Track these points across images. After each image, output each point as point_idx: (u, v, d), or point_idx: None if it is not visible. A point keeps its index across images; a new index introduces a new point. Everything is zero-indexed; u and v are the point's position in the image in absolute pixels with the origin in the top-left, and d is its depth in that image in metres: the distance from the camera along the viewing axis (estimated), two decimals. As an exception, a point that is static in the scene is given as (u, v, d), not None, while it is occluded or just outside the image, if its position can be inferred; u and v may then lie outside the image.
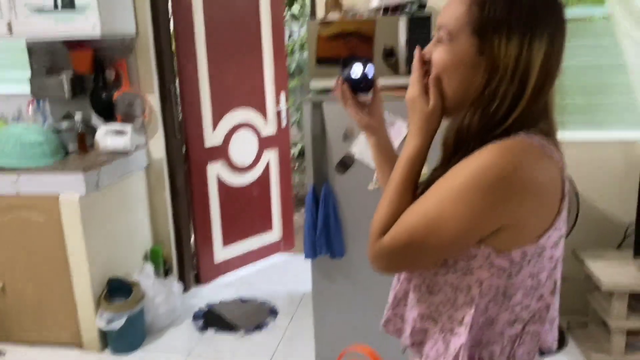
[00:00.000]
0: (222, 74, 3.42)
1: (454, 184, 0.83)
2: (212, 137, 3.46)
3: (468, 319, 0.89)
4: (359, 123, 1.11)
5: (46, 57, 3.12)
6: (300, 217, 4.79)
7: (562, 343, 2.67)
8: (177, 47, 3.20)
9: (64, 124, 2.97)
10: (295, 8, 5.46)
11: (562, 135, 0.91)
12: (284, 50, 3.73)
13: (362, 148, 2.33)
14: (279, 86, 3.71)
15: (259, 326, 3.00)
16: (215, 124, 3.46)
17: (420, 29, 2.34)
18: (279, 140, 3.81)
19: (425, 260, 0.89)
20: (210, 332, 2.97)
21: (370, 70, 1.03)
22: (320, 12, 2.74)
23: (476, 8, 0.85)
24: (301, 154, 5.98)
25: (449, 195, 0.82)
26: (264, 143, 3.74)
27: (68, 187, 2.62)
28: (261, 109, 3.67)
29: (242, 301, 3.28)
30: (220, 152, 3.52)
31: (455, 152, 0.89)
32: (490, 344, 0.92)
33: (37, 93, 3.05)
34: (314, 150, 2.37)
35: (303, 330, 2.93)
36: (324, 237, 2.39)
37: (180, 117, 3.28)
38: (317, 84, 2.49)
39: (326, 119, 2.34)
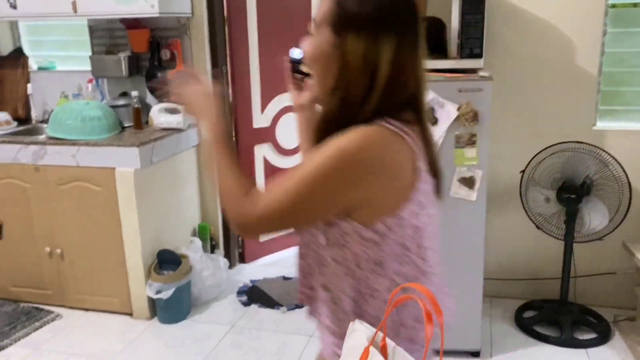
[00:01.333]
0: (272, 58, 3.48)
1: (314, 163, 0.90)
2: (260, 119, 3.53)
3: (350, 290, 0.98)
4: (293, 100, 1.20)
5: (106, 37, 3.26)
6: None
7: (606, 336, 2.62)
8: (229, 30, 3.27)
9: (121, 101, 3.10)
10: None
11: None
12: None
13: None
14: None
15: (300, 305, 3.06)
16: (263, 107, 3.53)
17: (474, 11, 2.33)
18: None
19: (281, 226, 0.96)
20: (254, 307, 3.05)
21: (293, 55, 1.09)
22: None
23: (335, 6, 0.93)
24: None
25: (309, 174, 0.90)
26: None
27: (124, 161, 2.74)
28: (309, 93, 3.71)
29: (285, 279, 3.35)
30: (268, 134, 3.58)
31: (322, 137, 0.95)
32: (376, 311, 0.99)
33: (97, 71, 3.19)
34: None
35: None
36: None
37: (230, 99, 3.36)
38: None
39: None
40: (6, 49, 3.51)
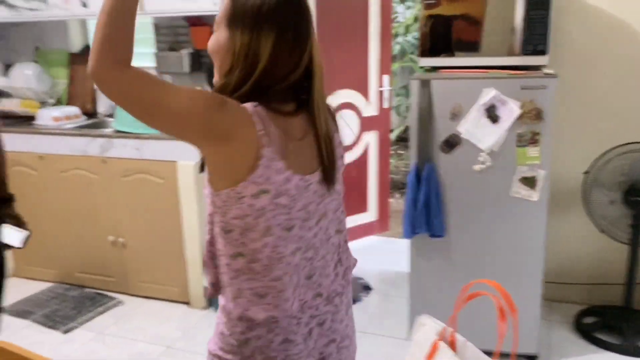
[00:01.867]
0: (329, 55, 3.49)
1: (181, 88, 0.98)
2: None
3: (206, 247, 1.13)
4: None
5: (169, 34, 3.36)
6: (394, 201, 4.80)
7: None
8: (287, 27, 3.31)
9: (183, 97, 3.20)
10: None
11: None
12: (390, 33, 3.74)
13: (469, 127, 2.31)
14: (383, 69, 3.73)
15: (352, 299, 3.06)
16: (319, 103, 3.55)
17: (539, 7, 2.27)
18: (379, 122, 3.84)
19: (133, 107, 0.97)
20: (306, 302, 3.09)
21: None
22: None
23: (229, 4, 1.07)
24: (398, 139, 5.96)
25: (173, 91, 0.96)
26: (365, 124, 3.78)
27: (185, 154, 2.82)
28: (363, 90, 3.72)
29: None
30: (323, 131, 3.60)
31: None
32: (221, 273, 1.12)
33: (160, 67, 3.31)
34: (420, 128, 2.38)
35: (395, 308, 2.96)
36: (424, 216, 2.40)
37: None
38: (426, 61, 2.49)
39: (433, 97, 2.34)
40: (77, 46, 3.68)
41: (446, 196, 2.41)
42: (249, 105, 1.03)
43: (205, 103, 0.97)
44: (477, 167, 2.34)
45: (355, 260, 1.32)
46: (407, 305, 2.61)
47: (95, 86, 1.11)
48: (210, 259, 1.13)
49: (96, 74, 0.93)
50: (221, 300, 1.15)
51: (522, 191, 2.32)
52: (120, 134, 2.98)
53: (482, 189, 2.37)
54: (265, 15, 1.04)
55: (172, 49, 3.32)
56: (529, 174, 2.30)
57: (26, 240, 1.88)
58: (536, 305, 2.40)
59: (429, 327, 0.86)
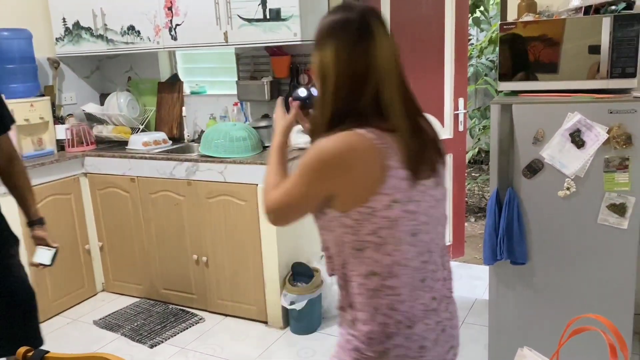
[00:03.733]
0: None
1: (302, 162, 1.14)
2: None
3: (338, 268, 1.18)
4: (304, 128, 1.38)
5: (250, 64, 3.53)
6: (469, 226, 4.71)
7: None
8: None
9: (263, 122, 3.33)
10: (477, 13, 5.39)
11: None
12: (465, 55, 3.73)
13: (553, 152, 2.26)
14: (458, 91, 3.71)
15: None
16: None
17: (628, 29, 2.20)
18: (454, 145, 3.81)
19: (293, 215, 1.20)
20: (381, 325, 3.09)
21: (313, 91, 1.32)
22: (512, 15, 2.71)
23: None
24: (472, 161, 5.86)
25: (300, 171, 1.14)
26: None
27: (265, 178, 2.93)
28: (439, 114, 3.71)
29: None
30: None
31: (312, 132, 1.23)
32: (354, 294, 1.16)
33: (242, 95, 3.47)
34: (500, 153, 2.35)
35: (472, 335, 2.90)
36: (505, 242, 2.36)
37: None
38: (505, 86, 2.47)
39: (515, 122, 2.31)
40: (165, 75, 3.93)
41: (529, 222, 2.36)
42: (362, 131, 1.10)
43: (323, 172, 1.11)
44: (561, 193, 2.28)
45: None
46: (485, 333, 2.55)
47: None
48: (345, 281, 1.18)
49: (266, 214, 1.22)
50: (349, 315, 1.19)
51: (611, 219, 2.23)
52: (205, 157, 3.14)
53: (567, 215, 2.30)
54: (324, 36, 1.16)
55: (252, 78, 3.47)
56: (617, 201, 2.21)
57: (54, 257, 2.03)
58: (628, 339, 2.28)
59: (529, 358, 0.86)
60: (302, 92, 1.34)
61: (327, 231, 1.18)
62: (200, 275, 3.29)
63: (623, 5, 2.30)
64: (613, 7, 2.29)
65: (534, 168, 2.31)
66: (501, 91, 2.53)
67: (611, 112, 2.17)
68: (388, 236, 1.11)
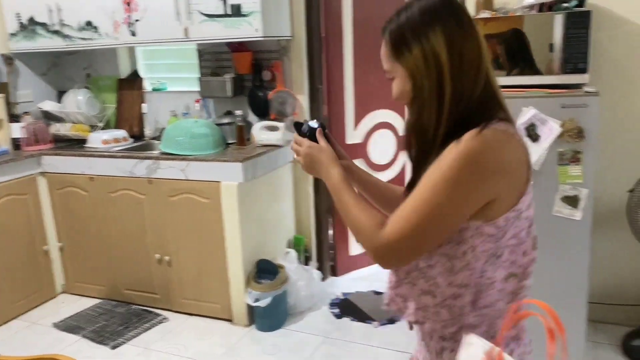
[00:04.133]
0: (366, 76, 3.56)
1: (441, 175, 0.94)
2: (353, 135, 3.61)
3: (468, 280, 1.01)
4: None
5: (212, 60, 3.50)
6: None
7: None
8: (325, 50, 3.40)
9: (226, 119, 3.31)
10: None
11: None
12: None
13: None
14: (420, 87, 3.75)
15: (391, 320, 3.07)
16: (356, 123, 3.61)
17: (579, 26, 2.27)
18: (417, 140, 3.86)
19: (427, 247, 0.99)
20: (346, 320, 3.11)
21: (312, 123, 1.27)
22: (470, 11, 2.75)
23: (388, 39, 1.04)
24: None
25: (440, 185, 0.94)
26: (402, 143, 3.81)
27: (228, 175, 2.92)
28: (400, 110, 3.75)
29: (376, 294, 3.38)
30: (360, 150, 3.66)
31: (423, 152, 1.04)
32: (494, 302, 1.03)
33: (204, 92, 3.43)
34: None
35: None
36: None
37: (325, 113, 3.47)
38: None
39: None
40: (125, 72, 3.86)
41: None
42: (501, 126, 0.97)
43: (477, 180, 0.93)
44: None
45: None
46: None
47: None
48: (473, 295, 1.03)
49: (381, 256, 1.01)
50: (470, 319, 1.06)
51: (565, 210, 2.30)
52: (166, 155, 3.10)
53: (523, 208, 2.35)
54: (419, 20, 1.00)
55: (214, 74, 3.44)
56: (571, 193, 2.29)
57: None
58: (581, 326, 2.36)
59: (477, 346, 0.88)
60: (313, 123, 1.29)
61: (450, 244, 1.00)
62: (163, 274, 3.25)
63: (575, 2, 2.37)
64: (565, 5, 2.36)
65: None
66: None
67: (564, 107, 2.24)
68: (525, 236, 1.03)
